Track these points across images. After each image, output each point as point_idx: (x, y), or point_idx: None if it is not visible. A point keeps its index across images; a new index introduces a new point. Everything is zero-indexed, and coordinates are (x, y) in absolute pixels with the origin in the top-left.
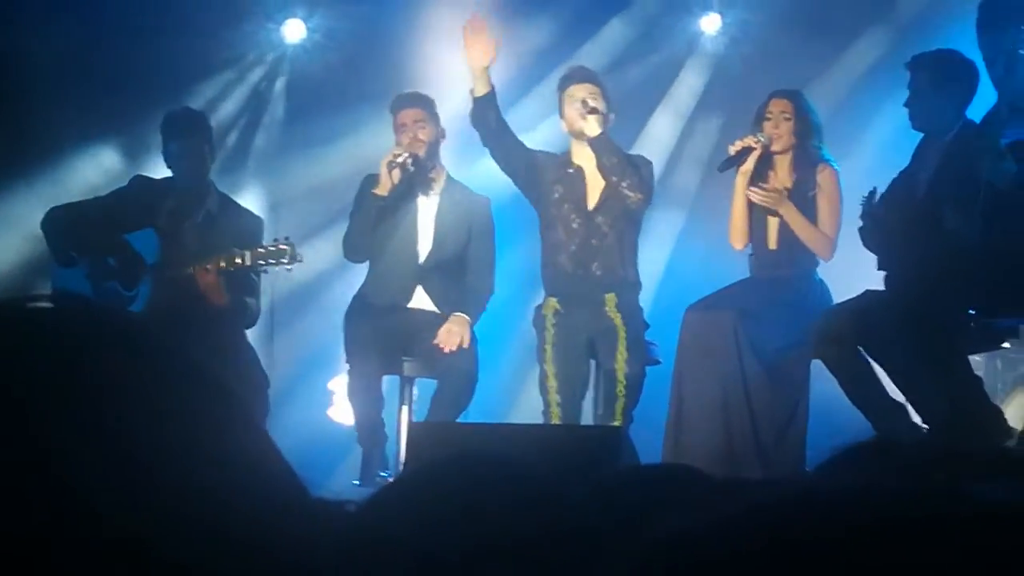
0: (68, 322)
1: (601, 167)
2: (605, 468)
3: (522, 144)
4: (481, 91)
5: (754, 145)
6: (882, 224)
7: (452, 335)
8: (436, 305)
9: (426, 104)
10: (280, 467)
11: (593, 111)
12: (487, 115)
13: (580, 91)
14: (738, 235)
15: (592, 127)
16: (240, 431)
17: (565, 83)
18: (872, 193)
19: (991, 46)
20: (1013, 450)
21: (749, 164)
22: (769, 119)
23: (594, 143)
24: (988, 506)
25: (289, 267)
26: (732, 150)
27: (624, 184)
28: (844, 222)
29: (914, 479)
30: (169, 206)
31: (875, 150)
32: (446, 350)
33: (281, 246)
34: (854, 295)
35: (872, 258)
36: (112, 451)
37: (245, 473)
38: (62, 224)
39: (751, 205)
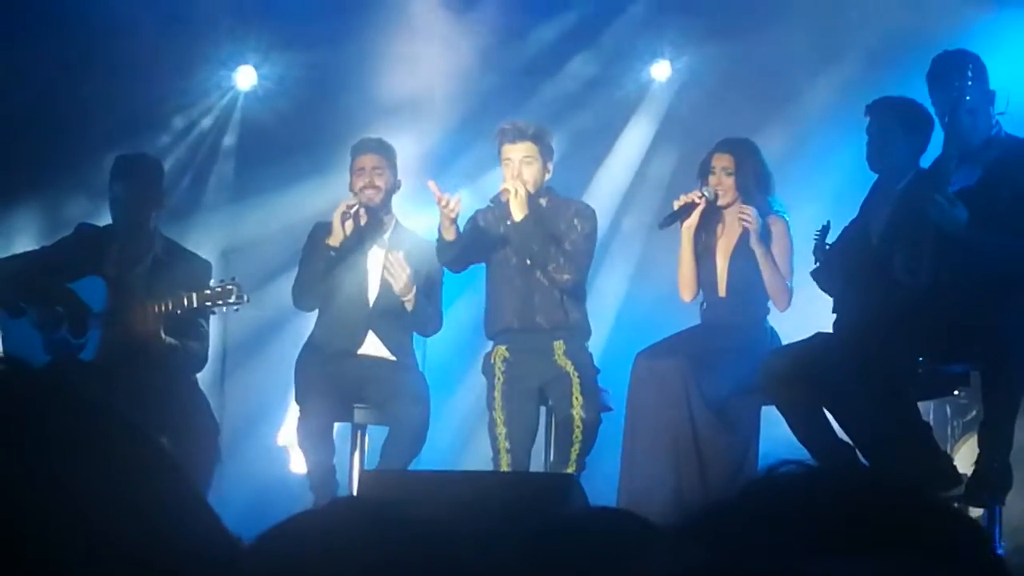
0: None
1: (527, 252)
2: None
3: (471, 241)
4: (449, 237)
5: (697, 200)
6: (834, 270)
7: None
8: (388, 349)
9: (388, 152)
10: (199, 510)
11: (516, 193)
12: (453, 256)
13: (513, 152)
14: (686, 288)
15: (516, 212)
16: (161, 478)
17: (500, 141)
18: (825, 228)
19: (940, 97)
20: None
21: (693, 219)
22: (712, 173)
23: (519, 228)
24: None
25: (236, 307)
26: (676, 205)
27: (550, 267)
28: (796, 271)
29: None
30: (114, 253)
31: (828, 195)
32: (388, 269)
33: (227, 287)
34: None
35: (822, 307)
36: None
37: (161, 516)
38: (8, 275)
39: (699, 255)
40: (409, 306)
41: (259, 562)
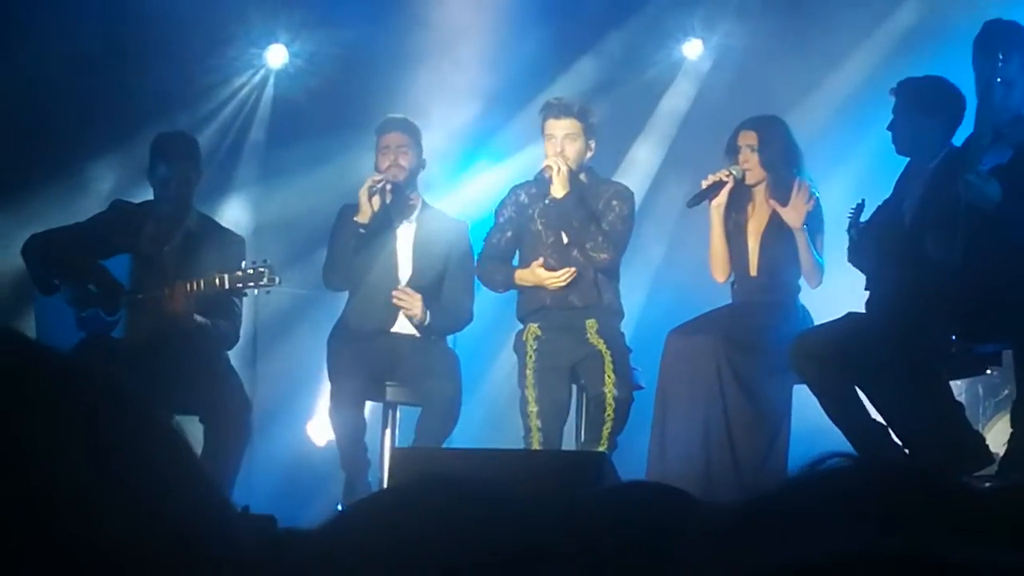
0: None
1: (567, 229)
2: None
3: (517, 218)
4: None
5: (725, 179)
6: (867, 249)
7: (408, 298)
8: (418, 329)
9: (412, 131)
10: (199, 485)
11: (559, 170)
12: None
13: (557, 128)
14: (719, 268)
15: (557, 189)
16: (160, 456)
17: (544, 115)
18: (860, 206)
19: (978, 72)
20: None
21: (722, 197)
22: (739, 151)
23: (559, 205)
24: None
25: (268, 289)
26: (704, 184)
27: (588, 246)
28: (826, 247)
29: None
30: (149, 230)
31: (860, 173)
32: (398, 303)
33: (259, 268)
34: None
35: (853, 286)
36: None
37: (159, 492)
38: (42, 251)
39: (729, 234)
40: (423, 324)
41: (343, 540)
